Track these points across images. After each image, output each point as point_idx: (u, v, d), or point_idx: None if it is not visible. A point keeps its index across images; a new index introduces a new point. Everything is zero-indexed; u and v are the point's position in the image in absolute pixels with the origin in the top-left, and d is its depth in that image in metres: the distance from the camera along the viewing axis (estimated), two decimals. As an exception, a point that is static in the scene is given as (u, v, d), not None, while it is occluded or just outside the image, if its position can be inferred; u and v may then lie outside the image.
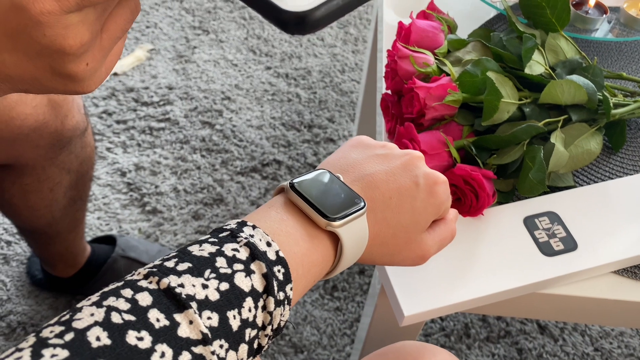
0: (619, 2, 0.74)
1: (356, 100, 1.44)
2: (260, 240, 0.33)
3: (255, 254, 0.32)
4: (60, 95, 0.73)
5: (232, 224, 0.35)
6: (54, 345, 0.26)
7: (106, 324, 0.27)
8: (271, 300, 0.32)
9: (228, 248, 0.32)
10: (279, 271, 0.33)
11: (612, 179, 0.60)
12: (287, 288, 0.33)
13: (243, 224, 0.35)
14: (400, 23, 0.63)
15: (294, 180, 0.38)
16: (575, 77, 0.57)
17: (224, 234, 0.34)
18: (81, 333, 0.27)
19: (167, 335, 0.28)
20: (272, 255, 0.33)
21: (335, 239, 0.37)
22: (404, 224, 0.40)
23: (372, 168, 0.41)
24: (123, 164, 1.28)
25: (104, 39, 0.30)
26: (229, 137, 1.34)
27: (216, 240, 0.33)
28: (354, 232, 0.37)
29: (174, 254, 0.32)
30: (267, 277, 0.32)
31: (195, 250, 0.32)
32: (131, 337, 0.27)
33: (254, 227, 0.34)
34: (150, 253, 1.05)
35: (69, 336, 0.26)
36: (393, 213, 0.40)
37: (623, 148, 0.63)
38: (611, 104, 0.57)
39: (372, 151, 0.42)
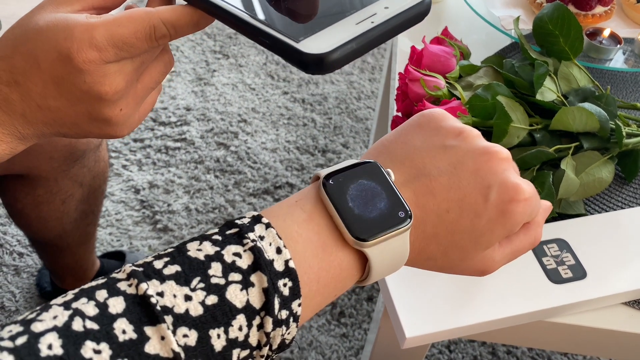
0: (634, 34, 0.74)
1: (371, 127, 1.44)
2: (270, 244, 0.28)
3: (259, 263, 0.28)
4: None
5: (247, 218, 0.30)
6: (2, 349, 0.24)
7: (64, 330, 0.24)
8: (269, 320, 0.27)
9: (229, 251, 0.28)
10: (284, 285, 0.28)
11: (624, 208, 0.59)
12: (294, 304, 0.28)
13: (257, 219, 0.29)
14: (412, 47, 0.63)
15: (331, 174, 0.31)
16: (587, 105, 0.57)
17: (232, 231, 0.29)
18: (35, 338, 0.24)
19: (131, 350, 0.25)
20: (279, 266, 0.28)
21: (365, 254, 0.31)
22: (460, 244, 0.32)
23: (434, 166, 0.32)
24: (137, 181, 1.29)
25: (138, 89, 0.35)
26: (243, 158, 1.35)
27: (220, 238, 0.29)
28: (388, 252, 0.31)
29: (169, 251, 0.29)
30: (268, 292, 0.27)
31: (192, 249, 0.28)
32: (87, 349, 0.24)
33: (267, 225, 0.29)
34: (159, 270, 1.05)
35: (21, 340, 0.24)
36: (447, 231, 0.32)
37: (636, 178, 0.62)
38: (624, 133, 0.57)
39: (441, 139, 0.33)
